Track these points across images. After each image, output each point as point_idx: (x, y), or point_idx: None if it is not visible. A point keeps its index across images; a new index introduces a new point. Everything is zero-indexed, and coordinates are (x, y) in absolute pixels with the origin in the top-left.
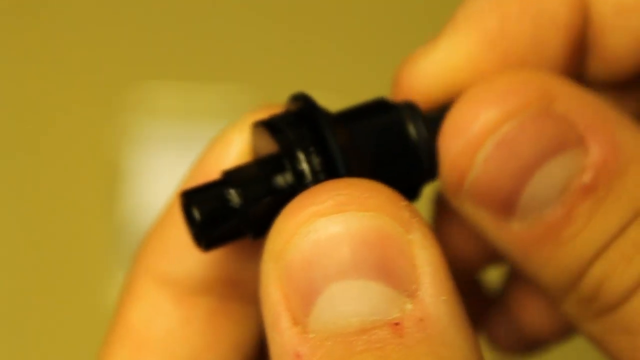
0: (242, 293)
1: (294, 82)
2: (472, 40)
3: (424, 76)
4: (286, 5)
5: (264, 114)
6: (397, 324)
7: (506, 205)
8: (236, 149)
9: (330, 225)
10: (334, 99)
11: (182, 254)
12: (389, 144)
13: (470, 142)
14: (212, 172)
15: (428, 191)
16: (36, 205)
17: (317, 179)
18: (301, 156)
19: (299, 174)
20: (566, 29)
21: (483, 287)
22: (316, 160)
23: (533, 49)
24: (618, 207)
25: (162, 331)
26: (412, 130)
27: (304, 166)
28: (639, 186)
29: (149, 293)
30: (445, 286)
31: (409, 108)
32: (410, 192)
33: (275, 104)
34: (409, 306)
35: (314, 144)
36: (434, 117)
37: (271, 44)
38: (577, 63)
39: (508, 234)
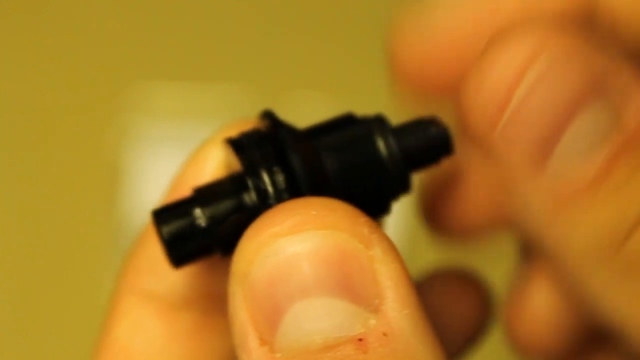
0: (224, 306)
1: (294, 82)
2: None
3: (425, 44)
4: (286, 5)
5: (237, 129)
6: (360, 339)
7: (542, 149)
8: (212, 164)
9: (290, 246)
10: (334, 99)
11: (163, 269)
12: (356, 160)
13: (511, 73)
14: (189, 188)
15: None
16: (36, 205)
17: (280, 198)
18: (264, 175)
19: (262, 194)
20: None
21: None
22: (280, 179)
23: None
24: None
25: (146, 346)
26: (380, 144)
27: (267, 185)
28: None
29: (132, 309)
30: (409, 300)
31: (378, 122)
32: (380, 207)
33: (250, 119)
34: (372, 321)
35: (278, 162)
36: (403, 129)
37: (271, 44)
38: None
39: (541, 184)
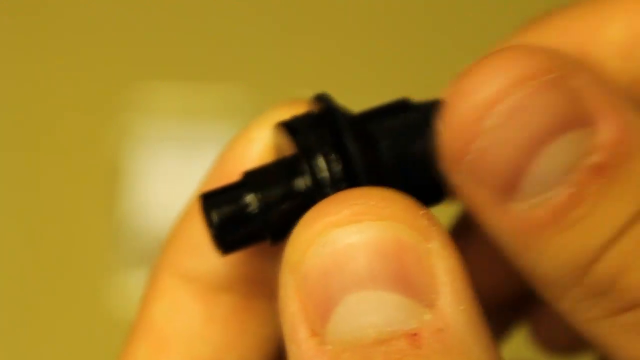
0: (265, 291)
1: (294, 82)
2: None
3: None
4: (286, 5)
5: (285, 111)
6: (415, 334)
7: (509, 182)
8: (258, 147)
9: (346, 236)
10: (333, 100)
11: (205, 251)
12: (412, 148)
13: (478, 108)
14: (234, 171)
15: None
16: (36, 205)
17: (337, 187)
18: (321, 163)
19: (318, 181)
20: None
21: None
22: (337, 168)
23: None
24: (631, 191)
25: (184, 328)
26: (436, 130)
27: (324, 173)
28: None
29: (171, 290)
30: (465, 296)
31: (434, 106)
32: (435, 195)
33: (297, 100)
34: (427, 316)
35: (335, 149)
36: None
37: (271, 44)
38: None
39: (507, 216)
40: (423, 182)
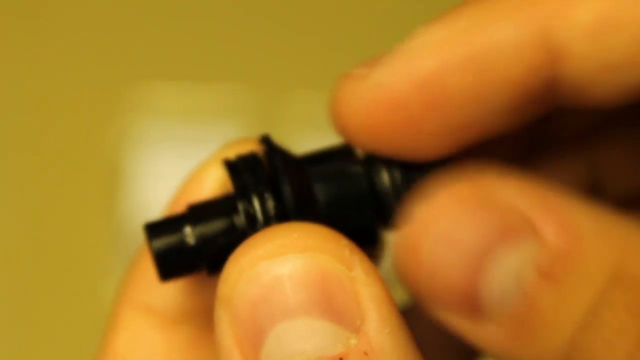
0: None
1: (294, 83)
2: (401, 79)
3: (348, 111)
4: (286, 5)
5: (236, 149)
6: (341, 359)
7: (470, 303)
8: (212, 182)
9: (271, 268)
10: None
11: (162, 284)
12: (345, 192)
13: (412, 248)
14: (186, 205)
15: None
16: (36, 205)
17: (268, 224)
18: (255, 200)
19: (251, 218)
20: (516, 91)
21: None
22: (269, 205)
23: (471, 102)
24: (583, 291)
25: (145, 358)
26: (376, 179)
27: (257, 210)
28: (601, 267)
29: (132, 321)
30: (390, 320)
31: (375, 158)
32: (369, 238)
33: (251, 139)
34: (353, 341)
35: (270, 188)
36: (403, 167)
37: (271, 44)
38: (526, 120)
39: (486, 335)
40: (356, 225)
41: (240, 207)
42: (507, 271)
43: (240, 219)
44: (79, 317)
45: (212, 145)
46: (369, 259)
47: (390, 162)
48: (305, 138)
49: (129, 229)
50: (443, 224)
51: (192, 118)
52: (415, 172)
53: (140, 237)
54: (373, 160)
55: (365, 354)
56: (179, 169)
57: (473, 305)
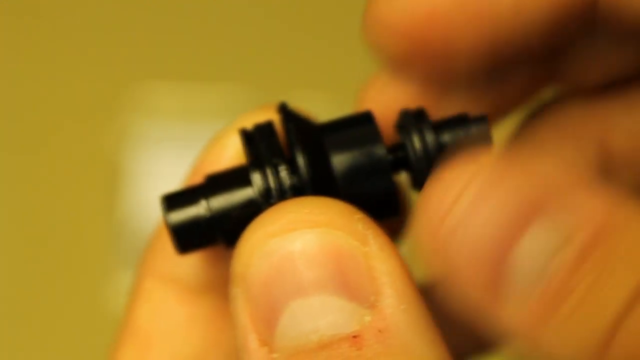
0: None
1: (294, 82)
2: None
3: (385, 25)
4: (286, 5)
5: (257, 117)
6: (356, 336)
7: (495, 278)
8: (231, 151)
9: (282, 245)
10: (334, 99)
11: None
12: (362, 161)
13: (435, 240)
14: (206, 175)
15: None
16: (36, 205)
17: (282, 197)
18: (269, 172)
19: (265, 191)
20: (554, 5)
21: None
22: (284, 177)
23: (510, 14)
24: (627, 271)
25: (167, 329)
26: (408, 143)
27: (271, 183)
28: None
29: (154, 293)
30: (406, 295)
31: (405, 121)
32: (388, 208)
33: (271, 104)
34: (367, 318)
35: (285, 159)
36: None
37: (271, 44)
38: (561, 43)
39: (507, 314)
40: (375, 195)
41: (254, 179)
42: (542, 245)
43: (255, 192)
44: (79, 316)
45: None
46: (385, 233)
47: (421, 125)
48: None
49: (129, 229)
50: (469, 203)
51: (192, 118)
52: (447, 133)
53: (140, 237)
54: (404, 124)
55: (380, 331)
56: (179, 169)
57: (499, 281)
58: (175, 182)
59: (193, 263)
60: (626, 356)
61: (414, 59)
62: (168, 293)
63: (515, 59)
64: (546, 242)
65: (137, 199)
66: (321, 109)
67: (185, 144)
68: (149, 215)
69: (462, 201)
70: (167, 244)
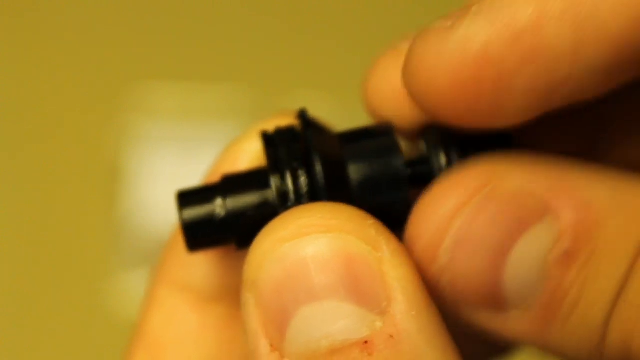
0: None
1: (294, 83)
2: (494, 29)
3: (431, 67)
4: (286, 5)
5: (277, 121)
6: (366, 342)
7: (493, 297)
8: (250, 154)
9: (294, 250)
10: (334, 99)
11: (198, 262)
12: (378, 172)
13: (427, 249)
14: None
15: None
16: (36, 205)
17: (299, 202)
18: (287, 176)
19: (282, 195)
20: (614, 41)
21: None
22: (302, 182)
23: (568, 55)
24: (609, 263)
25: (179, 335)
26: (434, 158)
27: (289, 187)
28: (625, 240)
29: (168, 299)
30: (417, 301)
31: (430, 135)
32: (403, 219)
33: (291, 111)
34: (378, 324)
35: (304, 164)
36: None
37: (271, 44)
38: (625, 77)
39: (511, 325)
40: (389, 206)
41: (273, 182)
42: (529, 258)
43: (272, 195)
44: (79, 316)
45: (212, 145)
46: (397, 239)
47: (446, 140)
48: None
49: (129, 228)
50: (458, 224)
51: (192, 118)
52: (473, 150)
53: (140, 237)
54: (429, 138)
55: (391, 336)
56: (179, 169)
57: (498, 298)
58: (175, 182)
59: (206, 271)
60: (621, 343)
61: (461, 106)
62: (181, 300)
63: (576, 98)
64: (537, 251)
65: (137, 198)
66: (321, 109)
67: (185, 144)
68: (149, 215)
69: (459, 216)
70: (181, 251)
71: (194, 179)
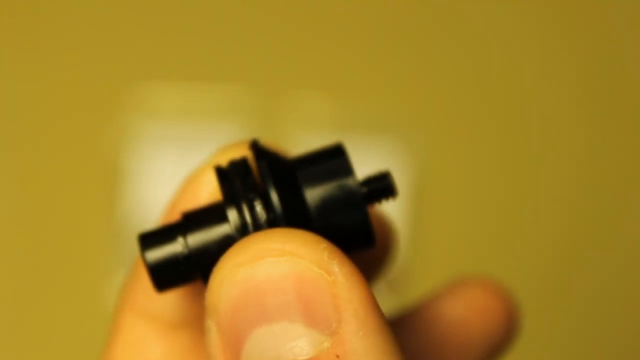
0: None
1: (294, 83)
2: None
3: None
4: (286, 5)
5: (231, 153)
6: None
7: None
8: (208, 189)
9: (248, 274)
10: (334, 99)
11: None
12: (335, 193)
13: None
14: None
15: None
16: (36, 205)
17: (258, 231)
18: (244, 207)
19: (241, 226)
20: None
21: None
22: (259, 212)
23: None
24: None
25: None
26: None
27: (246, 218)
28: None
29: (133, 327)
30: (367, 322)
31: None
32: (364, 238)
33: (245, 141)
34: (325, 344)
35: (259, 195)
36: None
37: (271, 44)
38: None
39: None
40: (348, 227)
41: (230, 215)
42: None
43: (231, 227)
44: (79, 316)
45: (212, 145)
46: (352, 262)
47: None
48: (305, 138)
49: (129, 229)
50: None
51: (192, 118)
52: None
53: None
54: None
55: (337, 356)
56: (178, 169)
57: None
58: (175, 182)
59: (171, 298)
60: None
61: None
62: (146, 328)
63: None
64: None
65: (137, 198)
66: (321, 109)
67: (185, 144)
68: (149, 215)
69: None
70: (145, 279)
71: None
